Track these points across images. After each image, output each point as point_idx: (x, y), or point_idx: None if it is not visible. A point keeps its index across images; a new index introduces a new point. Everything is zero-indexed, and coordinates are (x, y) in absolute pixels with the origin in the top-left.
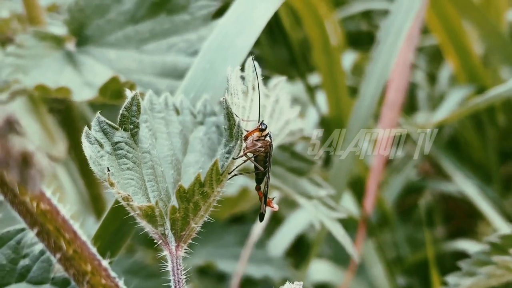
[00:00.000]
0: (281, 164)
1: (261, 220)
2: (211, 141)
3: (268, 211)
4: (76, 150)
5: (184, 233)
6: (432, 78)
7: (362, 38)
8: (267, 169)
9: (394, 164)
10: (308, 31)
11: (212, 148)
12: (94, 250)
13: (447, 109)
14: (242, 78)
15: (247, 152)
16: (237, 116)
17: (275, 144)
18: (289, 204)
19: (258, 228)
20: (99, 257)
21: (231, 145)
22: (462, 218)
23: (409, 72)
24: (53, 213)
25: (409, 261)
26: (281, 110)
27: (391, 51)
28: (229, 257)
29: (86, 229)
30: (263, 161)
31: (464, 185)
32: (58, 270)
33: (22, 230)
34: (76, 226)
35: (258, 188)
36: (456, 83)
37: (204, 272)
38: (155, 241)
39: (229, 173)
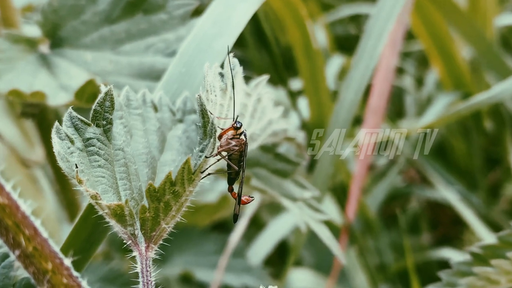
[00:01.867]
0: (265, 166)
1: (235, 221)
2: (190, 140)
3: (248, 216)
4: (52, 155)
5: (154, 233)
6: (420, 84)
7: (351, 43)
8: (241, 169)
9: (378, 170)
10: (289, 33)
11: (191, 147)
12: (56, 248)
13: (433, 115)
14: (221, 75)
15: (221, 151)
16: (212, 113)
17: (256, 144)
18: (271, 209)
19: (236, 236)
20: (61, 255)
21: (204, 143)
22: (448, 225)
23: (392, 77)
24: (12, 207)
25: (392, 269)
26: (263, 109)
27: (372, 55)
28: (208, 265)
29: (62, 234)
30: (237, 160)
31: (447, 192)
32: (18, 268)
33: None
34: (37, 222)
35: (231, 189)
36: (442, 89)
37: (186, 281)
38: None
39: (202, 172)
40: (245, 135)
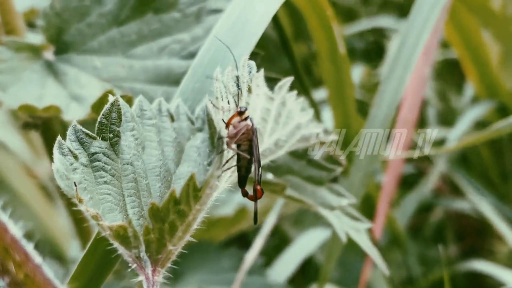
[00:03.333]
0: (297, 174)
1: (255, 222)
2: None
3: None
4: None
5: (160, 256)
6: (442, 93)
7: (371, 52)
8: (252, 160)
9: (406, 183)
10: (314, 35)
11: None
12: (50, 274)
13: (464, 126)
14: (236, 79)
15: (229, 142)
16: (223, 121)
17: (283, 151)
18: (295, 221)
19: (253, 252)
20: (56, 283)
21: (212, 157)
22: (474, 236)
23: (425, 88)
24: (0, 230)
25: (421, 283)
26: (289, 113)
27: (406, 69)
28: (224, 284)
29: (72, 252)
30: (247, 151)
31: (479, 203)
32: None
33: None
34: (29, 247)
35: (245, 193)
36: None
37: None
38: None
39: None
40: (251, 120)
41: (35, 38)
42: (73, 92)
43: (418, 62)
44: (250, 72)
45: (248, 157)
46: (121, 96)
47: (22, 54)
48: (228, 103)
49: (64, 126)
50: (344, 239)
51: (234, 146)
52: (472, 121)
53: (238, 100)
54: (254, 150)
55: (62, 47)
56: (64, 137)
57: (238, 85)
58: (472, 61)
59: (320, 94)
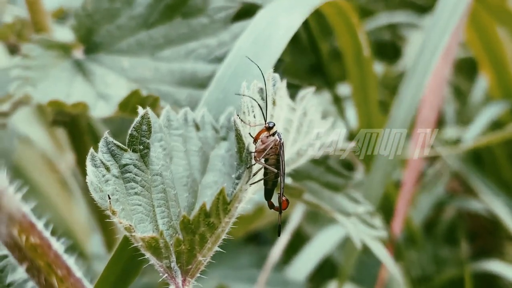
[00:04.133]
0: (316, 179)
1: (279, 234)
2: (234, 158)
3: (289, 230)
4: (83, 164)
5: (190, 266)
6: (459, 92)
7: (386, 49)
8: (279, 174)
9: (423, 182)
10: (339, 39)
11: (235, 166)
12: (90, 287)
13: (480, 126)
14: (261, 91)
15: (258, 157)
16: (250, 136)
17: (304, 160)
18: (313, 219)
19: (277, 249)
20: None
21: (240, 171)
22: (486, 237)
23: (445, 89)
24: (44, 247)
25: (435, 281)
26: (310, 123)
27: (426, 70)
28: (244, 279)
29: (92, 247)
30: (274, 166)
31: (493, 203)
32: None
33: (4, 257)
34: (70, 261)
35: (271, 205)
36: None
37: None
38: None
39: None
40: (279, 135)
41: (64, 35)
42: (101, 91)
43: (439, 63)
44: (275, 85)
45: (275, 171)
46: (147, 97)
47: (52, 52)
48: (255, 117)
49: (91, 126)
50: (359, 246)
51: (262, 160)
52: (487, 121)
53: (265, 115)
54: (281, 165)
55: (91, 47)
56: (89, 134)
57: (263, 99)
58: (489, 61)
59: (342, 89)
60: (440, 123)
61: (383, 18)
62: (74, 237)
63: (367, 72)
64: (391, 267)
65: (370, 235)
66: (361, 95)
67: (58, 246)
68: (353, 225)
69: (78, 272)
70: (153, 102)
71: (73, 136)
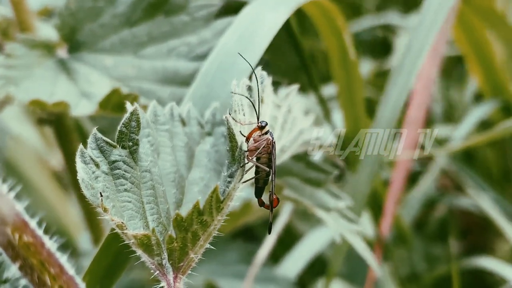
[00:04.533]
0: (297, 175)
1: (269, 232)
2: (219, 154)
3: (277, 230)
4: (69, 162)
5: (182, 264)
6: (446, 89)
7: (378, 46)
8: (270, 173)
9: (413, 180)
10: (325, 42)
11: (220, 161)
12: (82, 285)
13: (469, 125)
14: (249, 89)
15: (250, 156)
16: (242, 135)
17: (287, 155)
18: (305, 218)
19: (266, 245)
20: None
21: (233, 169)
22: (477, 234)
23: (432, 88)
24: (37, 246)
25: (425, 279)
26: (294, 120)
27: (412, 70)
28: (232, 275)
29: (82, 244)
30: (266, 164)
31: (481, 200)
32: None
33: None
34: (62, 259)
35: (261, 203)
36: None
37: None
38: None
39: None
40: (271, 134)
41: (49, 34)
42: (84, 89)
43: (426, 63)
44: (262, 83)
45: (267, 169)
46: (128, 95)
47: (36, 51)
48: (245, 115)
49: (77, 124)
50: (339, 241)
51: (254, 159)
52: (477, 120)
53: (258, 114)
54: (273, 163)
55: (75, 45)
56: (76, 132)
57: (252, 96)
58: (478, 61)
59: (327, 90)
60: (428, 122)
61: (372, 19)
62: (67, 234)
63: (353, 74)
64: (370, 261)
65: (350, 230)
66: (347, 97)
67: (51, 244)
68: (333, 220)
69: (71, 270)
70: (133, 100)
71: (60, 135)
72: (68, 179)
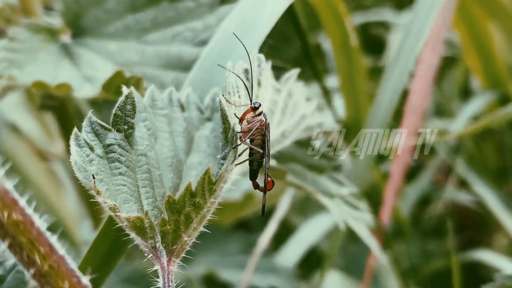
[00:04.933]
0: (300, 161)
1: (263, 214)
2: (219, 139)
3: (277, 218)
4: None
5: (175, 246)
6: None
7: (376, 43)
8: (264, 155)
9: (409, 172)
10: (327, 29)
11: (219, 147)
12: (73, 265)
13: (467, 115)
14: (246, 72)
15: (243, 137)
16: (236, 116)
17: (289, 141)
18: (300, 210)
19: (265, 238)
20: (78, 273)
21: (226, 151)
22: (474, 229)
23: (434, 77)
24: (27, 224)
25: (424, 272)
26: (295, 104)
27: (409, 57)
28: (232, 266)
29: (82, 233)
30: (260, 146)
31: (484, 195)
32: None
33: None
34: (53, 238)
35: (256, 185)
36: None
37: (210, 281)
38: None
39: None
40: (264, 115)
41: (52, 21)
42: (87, 74)
43: (427, 50)
44: (260, 66)
45: (261, 151)
46: (131, 77)
47: (40, 36)
48: (240, 97)
49: (79, 110)
50: (342, 227)
51: (247, 140)
52: (474, 111)
53: (251, 95)
54: (266, 145)
55: (79, 31)
56: (78, 119)
57: (248, 79)
58: (477, 51)
59: (331, 81)
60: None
61: (368, 15)
62: (64, 225)
63: (354, 61)
64: (374, 248)
65: (353, 216)
66: (349, 85)
67: (41, 223)
68: (336, 206)
69: (61, 250)
70: (136, 83)
71: (62, 122)
72: (69, 168)
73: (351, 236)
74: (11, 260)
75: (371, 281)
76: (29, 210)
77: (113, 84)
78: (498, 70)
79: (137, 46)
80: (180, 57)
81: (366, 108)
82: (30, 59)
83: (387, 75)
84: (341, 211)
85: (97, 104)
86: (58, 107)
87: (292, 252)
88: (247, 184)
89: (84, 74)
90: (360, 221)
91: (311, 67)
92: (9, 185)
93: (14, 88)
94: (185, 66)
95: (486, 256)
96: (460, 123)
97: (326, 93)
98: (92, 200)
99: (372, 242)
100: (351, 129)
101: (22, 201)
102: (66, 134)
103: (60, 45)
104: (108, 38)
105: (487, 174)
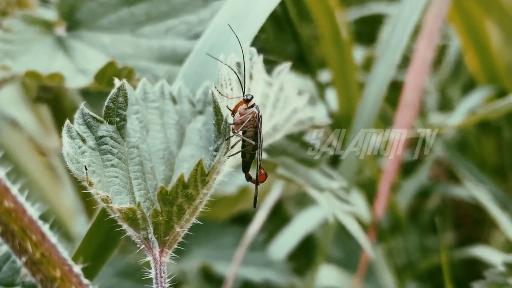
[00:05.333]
0: (291, 155)
1: (254, 205)
2: (210, 132)
3: (267, 207)
4: None
5: (168, 238)
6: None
7: (370, 35)
8: (257, 147)
9: (407, 167)
10: (317, 23)
11: (211, 140)
12: (64, 254)
13: (466, 109)
14: (238, 65)
15: (235, 129)
16: (228, 109)
17: (280, 134)
18: (298, 202)
19: (254, 227)
20: (70, 261)
21: (218, 143)
22: (471, 225)
23: (428, 72)
24: (19, 212)
25: (420, 267)
26: (287, 98)
27: (397, 48)
28: (227, 259)
29: (77, 228)
30: (252, 138)
31: (476, 191)
32: (25, 275)
33: None
34: (45, 227)
35: (248, 177)
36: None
37: (204, 274)
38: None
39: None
40: (257, 107)
41: (47, 14)
42: (80, 66)
43: (421, 45)
44: (251, 59)
45: (253, 143)
46: (123, 68)
47: (34, 27)
48: (232, 90)
49: (74, 104)
50: (331, 220)
51: (240, 132)
52: (471, 106)
53: (243, 87)
54: (259, 137)
55: (73, 24)
56: (73, 113)
57: (240, 72)
58: (474, 46)
59: (325, 76)
60: (422, 111)
61: (367, 8)
62: (60, 219)
63: (345, 54)
64: (363, 242)
65: (343, 210)
66: (341, 77)
67: (33, 211)
68: (326, 199)
69: (53, 238)
70: (128, 74)
71: (57, 115)
72: (65, 162)
73: (347, 229)
74: (4, 250)
75: (367, 275)
76: (21, 198)
77: (105, 75)
78: (495, 66)
79: (131, 39)
80: (174, 50)
81: (357, 99)
82: (24, 50)
83: (375, 68)
84: (331, 204)
85: (91, 97)
86: (53, 100)
87: (286, 242)
88: (242, 178)
89: (78, 66)
90: (350, 215)
91: (303, 60)
92: (1, 172)
93: (9, 81)
94: (178, 59)
95: (483, 252)
96: (458, 117)
97: (319, 87)
98: (85, 191)
99: (361, 236)
100: (343, 122)
101: (14, 189)
102: (60, 128)
103: (55, 37)
104: (102, 31)
105: (486, 171)
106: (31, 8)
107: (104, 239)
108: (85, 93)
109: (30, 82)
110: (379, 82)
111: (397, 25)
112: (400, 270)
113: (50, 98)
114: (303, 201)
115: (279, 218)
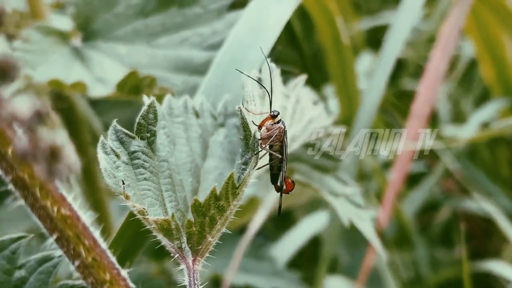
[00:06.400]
0: (306, 162)
1: (279, 214)
2: (232, 145)
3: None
4: (80, 151)
5: (200, 247)
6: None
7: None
8: (283, 159)
9: (416, 178)
10: (319, 29)
11: (233, 151)
12: (113, 258)
13: (477, 122)
14: (260, 80)
15: (262, 144)
16: (254, 124)
17: (297, 144)
18: (308, 212)
19: (255, 224)
20: (118, 266)
21: (247, 157)
22: (482, 238)
23: (441, 83)
24: (74, 219)
25: (430, 281)
26: (303, 109)
27: (392, 54)
28: (239, 269)
29: None
30: (278, 152)
31: (486, 203)
32: (77, 278)
33: (18, 239)
34: (96, 233)
35: (278, 189)
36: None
37: (216, 284)
38: (166, 253)
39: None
40: (283, 123)
41: (62, 25)
42: (98, 75)
43: (435, 57)
44: (272, 73)
45: (280, 156)
46: (145, 78)
47: (51, 38)
48: (255, 106)
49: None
50: (347, 224)
51: (267, 147)
52: (484, 118)
53: (271, 103)
54: (284, 150)
55: (89, 34)
56: (85, 125)
57: (263, 87)
58: (490, 57)
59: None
60: (434, 123)
61: (373, 19)
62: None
63: (347, 61)
64: (376, 246)
65: (357, 215)
66: (342, 84)
67: (85, 218)
68: (341, 204)
69: (103, 244)
70: (150, 83)
71: (70, 125)
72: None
73: (356, 236)
74: (33, 261)
75: (374, 284)
76: (75, 206)
77: (127, 84)
78: (511, 77)
79: (147, 50)
80: (189, 60)
81: (358, 105)
82: (42, 60)
83: (373, 74)
84: (346, 209)
85: (100, 106)
86: (66, 109)
87: (290, 244)
88: (250, 188)
89: (95, 75)
90: (365, 220)
91: (308, 74)
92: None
93: (24, 90)
94: (194, 69)
95: (496, 266)
96: (470, 129)
97: (322, 99)
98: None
99: (375, 240)
100: (343, 124)
101: (69, 198)
102: (74, 137)
103: (71, 47)
104: (118, 41)
105: (498, 182)
106: (44, 19)
107: (128, 246)
108: (93, 102)
109: (43, 92)
110: (376, 86)
111: (391, 34)
112: (408, 284)
113: (64, 107)
114: (313, 210)
115: (288, 228)
